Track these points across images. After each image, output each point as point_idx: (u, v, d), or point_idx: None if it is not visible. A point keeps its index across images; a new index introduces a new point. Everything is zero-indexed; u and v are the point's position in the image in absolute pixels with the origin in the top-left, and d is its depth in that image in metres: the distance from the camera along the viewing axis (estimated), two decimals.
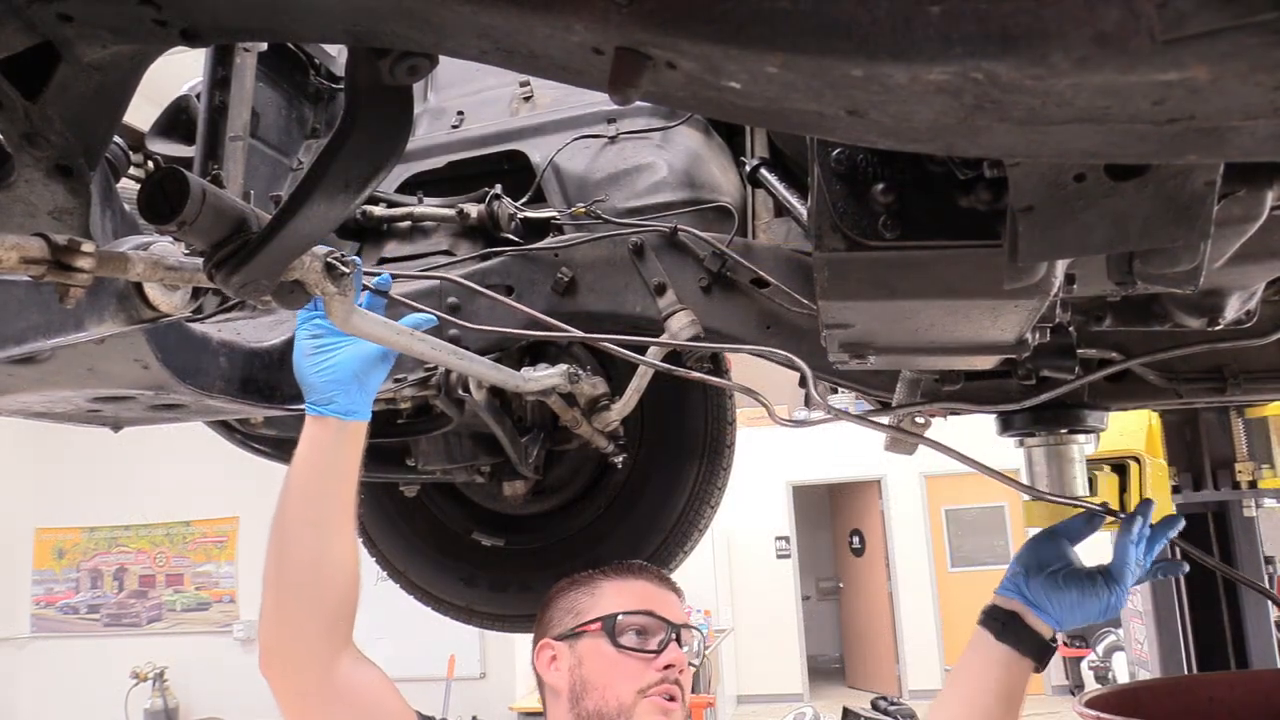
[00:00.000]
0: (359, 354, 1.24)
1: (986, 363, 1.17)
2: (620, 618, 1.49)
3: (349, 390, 1.25)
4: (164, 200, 0.68)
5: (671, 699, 1.45)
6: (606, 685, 1.45)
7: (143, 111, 1.37)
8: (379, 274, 1.33)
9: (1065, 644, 10.16)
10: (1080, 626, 1.36)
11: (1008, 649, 1.32)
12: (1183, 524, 1.37)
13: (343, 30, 0.61)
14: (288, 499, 1.29)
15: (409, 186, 1.77)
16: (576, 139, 1.68)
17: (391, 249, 1.73)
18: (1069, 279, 0.86)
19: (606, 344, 1.30)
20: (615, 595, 1.54)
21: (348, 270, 0.91)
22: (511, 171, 1.73)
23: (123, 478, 8.54)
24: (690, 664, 1.52)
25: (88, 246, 0.66)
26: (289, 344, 1.35)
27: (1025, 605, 1.33)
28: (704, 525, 2.22)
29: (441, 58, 0.63)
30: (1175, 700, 1.29)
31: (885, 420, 1.46)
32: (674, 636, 1.50)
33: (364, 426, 1.30)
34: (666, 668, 1.46)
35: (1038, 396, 1.32)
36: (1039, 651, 1.32)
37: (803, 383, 1.23)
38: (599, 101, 1.70)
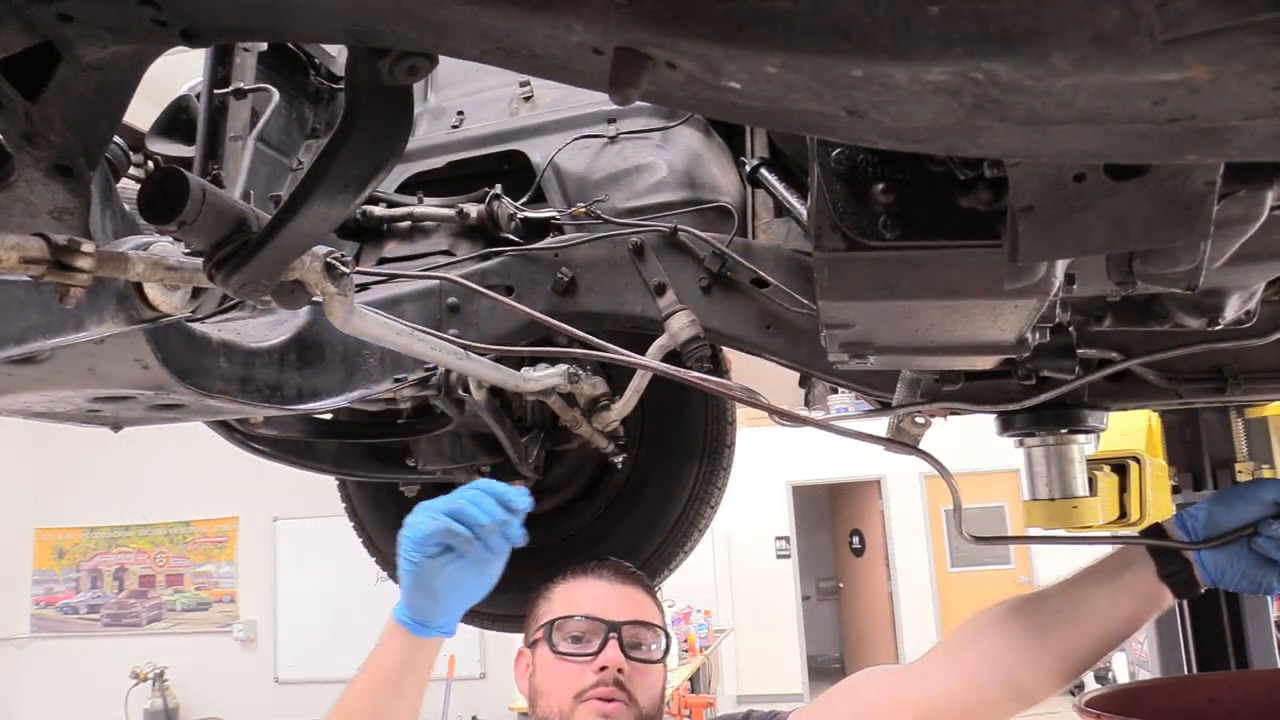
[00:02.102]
0: (464, 583, 1.25)
1: (986, 363, 1.17)
2: (556, 623, 1.47)
3: (446, 613, 1.26)
4: (164, 200, 0.68)
5: (611, 700, 1.41)
6: (550, 692, 1.44)
7: (143, 111, 1.37)
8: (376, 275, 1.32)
9: None
10: None
11: (1164, 587, 1.24)
12: None
13: (343, 30, 0.61)
14: (355, 706, 1.27)
15: (409, 186, 1.77)
16: (576, 139, 1.68)
17: (391, 249, 1.73)
18: (1069, 279, 0.86)
19: (609, 353, 1.30)
20: (560, 600, 1.52)
21: (348, 270, 0.91)
22: (511, 171, 1.73)
23: (123, 478, 8.55)
24: (644, 660, 1.46)
25: (88, 246, 0.66)
26: (289, 344, 1.35)
27: (1195, 558, 1.22)
28: (704, 525, 2.22)
29: (441, 58, 0.63)
30: (1175, 700, 1.29)
31: (885, 420, 1.46)
32: (614, 636, 1.45)
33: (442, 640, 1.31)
34: (602, 669, 1.42)
35: (1038, 396, 1.32)
36: (1186, 592, 1.24)
37: (803, 382, 1.23)
38: (599, 101, 1.70)
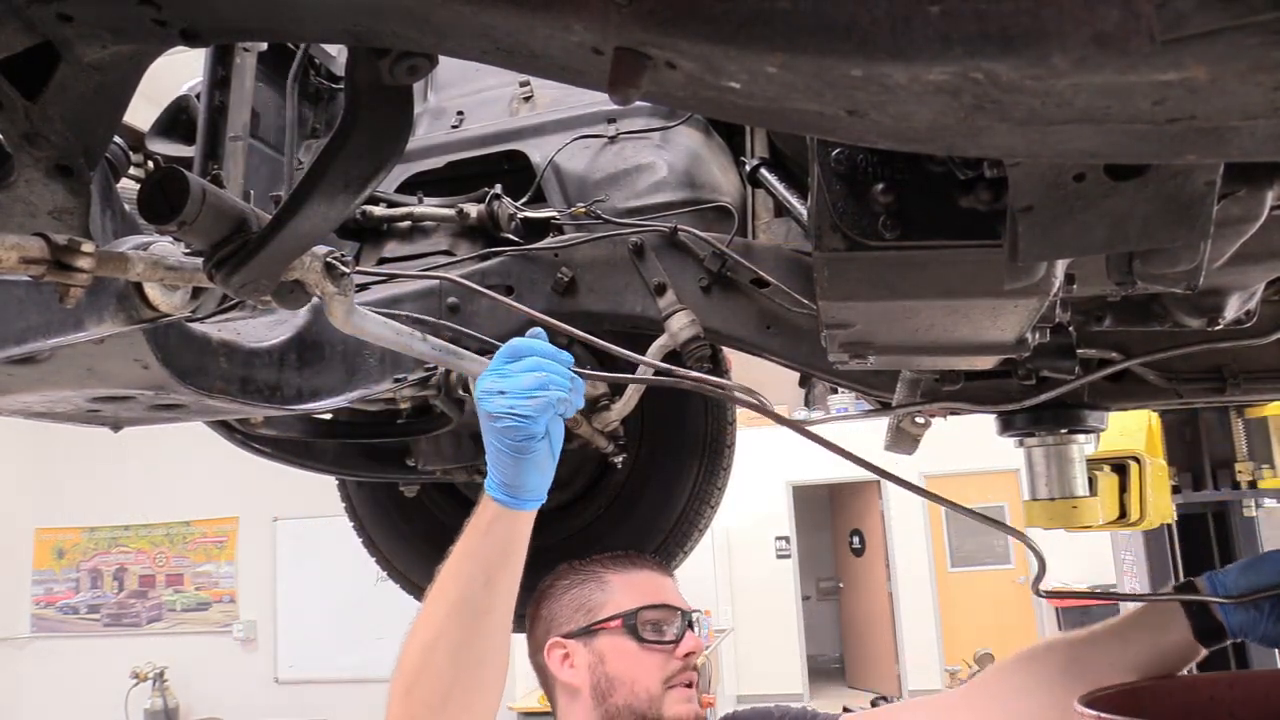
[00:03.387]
0: (555, 449, 1.19)
1: (986, 363, 1.17)
2: (641, 613, 1.51)
3: (545, 478, 1.19)
4: (164, 200, 0.68)
5: (690, 685, 1.49)
6: (635, 679, 1.47)
7: (143, 111, 1.37)
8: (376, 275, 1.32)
9: None
10: None
11: (1199, 646, 1.33)
12: None
13: (343, 30, 0.61)
14: (463, 595, 1.17)
15: (409, 186, 1.77)
16: (576, 139, 1.68)
17: (391, 249, 1.73)
18: (1069, 279, 0.86)
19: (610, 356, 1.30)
20: (627, 589, 1.55)
21: (348, 270, 0.91)
22: (511, 171, 1.73)
23: (123, 478, 8.55)
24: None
25: (88, 246, 0.66)
26: (289, 344, 1.35)
27: (1224, 618, 1.32)
28: (704, 525, 2.22)
29: (441, 58, 0.63)
30: (1175, 700, 1.29)
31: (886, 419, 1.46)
32: (689, 624, 1.53)
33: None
34: (688, 655, 1.50)
35: (1038, 396, 1.32)
36: (1217, 645, 1.34)
37: (803, 382, 1.23)
38: (599, 101, 1.70)
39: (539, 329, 1.22)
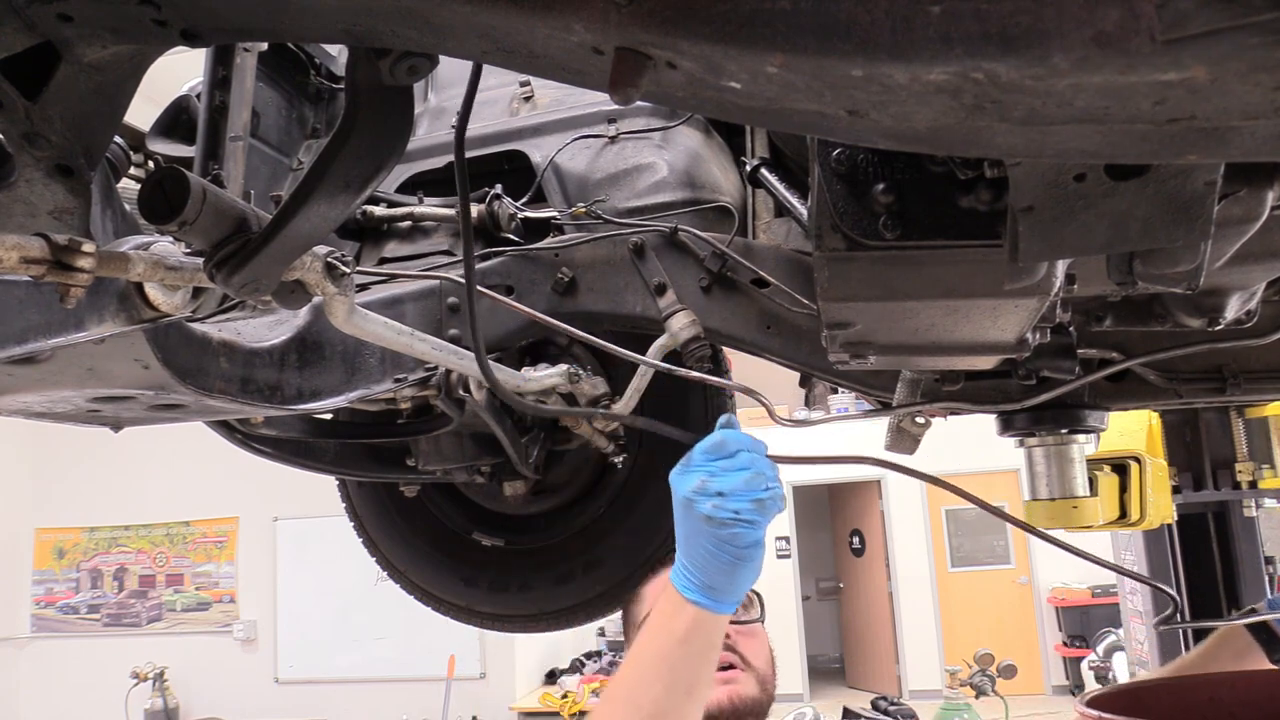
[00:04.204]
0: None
1: (987, 363, 1.17)
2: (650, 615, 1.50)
3: (748, 578, 1.10)
4: (164, 200, 0.68)
5: (730, 667, 1.45)
6: None
7: (143, 111, 1.37)
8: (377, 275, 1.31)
9: (1065, 644, 10.16)
10: None
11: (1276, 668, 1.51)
12: None
13: (342, 30, 0.61)
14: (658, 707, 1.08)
15: (409, 186, 1.77)
16: (577, 139, 1.68)
17: (392, 249, 1.73)
18: (1069, 279, 0.86)
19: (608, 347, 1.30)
20: (652, 592, 1.55)
21: (348, 270, 0.91)
22: (511, 171, 1.73)
23: (123, 478, 8.56)
24: (742, 622, 1.50)
25: (88, 246, 0.66)
26: (289, 344, 1.35)
27: None
28: None
29: (441, 58, 0.63)
30: (1176, 700, 1.29)
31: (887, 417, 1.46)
32: None
33: None
34: None
35: (1038, 396, 1.32)
36: None
37: (803, 382, 1.23)
38: (599, 101, 1.70)
39: (731, 415, 1.15)
